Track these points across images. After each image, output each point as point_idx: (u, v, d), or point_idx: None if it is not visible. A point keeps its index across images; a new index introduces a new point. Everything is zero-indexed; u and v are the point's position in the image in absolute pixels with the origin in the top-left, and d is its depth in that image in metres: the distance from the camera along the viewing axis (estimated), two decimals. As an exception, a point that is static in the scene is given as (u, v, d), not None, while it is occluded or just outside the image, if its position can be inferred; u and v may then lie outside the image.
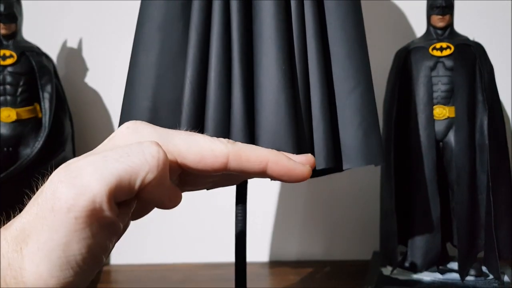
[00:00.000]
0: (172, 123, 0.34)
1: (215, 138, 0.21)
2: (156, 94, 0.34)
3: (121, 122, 0.35)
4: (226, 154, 0.21)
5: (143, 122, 0.21)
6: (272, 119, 0.35)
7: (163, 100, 0.34)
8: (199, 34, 0.35)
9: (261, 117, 0.35)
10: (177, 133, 0.21)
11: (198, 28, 0.35)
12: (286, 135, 0.35)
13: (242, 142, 0.33)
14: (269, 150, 0.22)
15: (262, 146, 0.35)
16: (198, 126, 0.34)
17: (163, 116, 0.34)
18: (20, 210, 0.19)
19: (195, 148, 0.21)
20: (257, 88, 0.36)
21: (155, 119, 0.34)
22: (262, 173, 0.21)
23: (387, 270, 0.58)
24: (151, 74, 0.35)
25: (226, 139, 0.21)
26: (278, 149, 0.35)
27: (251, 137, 0.35)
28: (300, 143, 0.37)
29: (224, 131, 0.34)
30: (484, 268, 0.56)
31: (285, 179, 0.22)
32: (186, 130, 0.28)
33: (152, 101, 0.34)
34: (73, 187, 0.17)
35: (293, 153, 0.34)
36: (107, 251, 0.19)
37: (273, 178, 0.22)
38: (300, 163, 0.22)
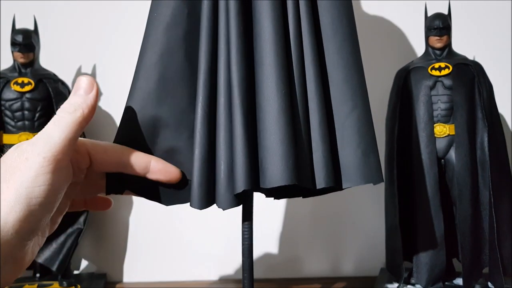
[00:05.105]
0: (172, 147, 0.36)
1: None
2: (156, 118, 0.37)
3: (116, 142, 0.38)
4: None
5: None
6: (273, 140, 0.37)
7: (163, 124, 0.37)
8: (207, 61, 0.37)
9: (264, 139, 0.37)
10: None
11: (206, 55, 0.37)
12: (286, 156, 0.37)
13: (244, 163, 0.36)
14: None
15: (265, 168, 0.37)
16: (210, 148, 0.36)
17: (162, 139, 0.37)
18: None
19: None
20: (259, 112, 0.38)
21: (154, 141, 0.36)
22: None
23: (393, 287, 0.58)
24: (151, 99, 0.37)
25: None
26: (280, 171, 0.37)
27: (255, 159, 0.37)
28: (300, 163, 0.38)
29: (230, 155, 0.36)
30: (490, 284, 0.57)
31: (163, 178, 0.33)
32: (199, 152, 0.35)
33: (152, 125, 0.37)
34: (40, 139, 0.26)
35: (295, 174, 0.36)
36: (61, 192, 0.27)
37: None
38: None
